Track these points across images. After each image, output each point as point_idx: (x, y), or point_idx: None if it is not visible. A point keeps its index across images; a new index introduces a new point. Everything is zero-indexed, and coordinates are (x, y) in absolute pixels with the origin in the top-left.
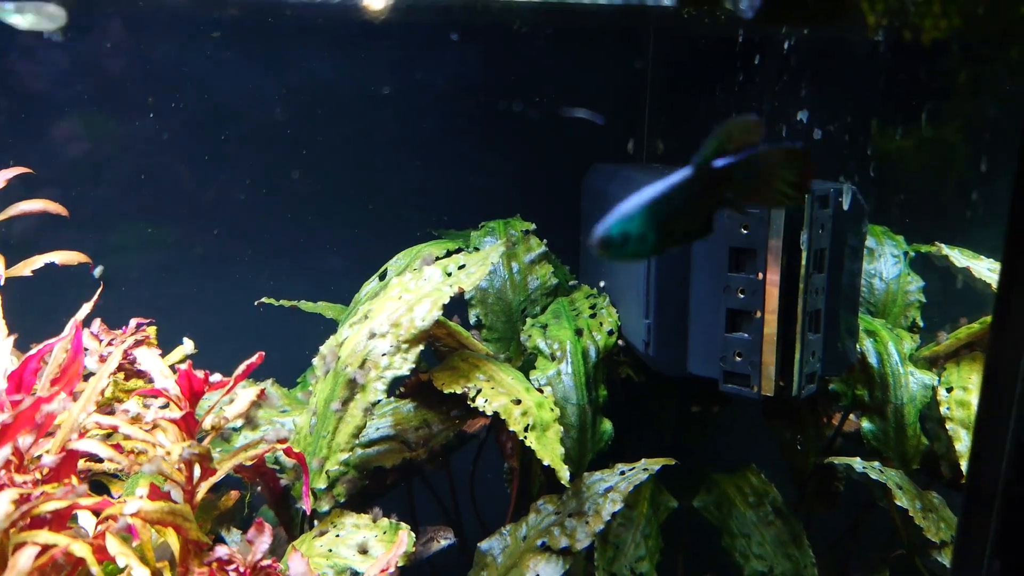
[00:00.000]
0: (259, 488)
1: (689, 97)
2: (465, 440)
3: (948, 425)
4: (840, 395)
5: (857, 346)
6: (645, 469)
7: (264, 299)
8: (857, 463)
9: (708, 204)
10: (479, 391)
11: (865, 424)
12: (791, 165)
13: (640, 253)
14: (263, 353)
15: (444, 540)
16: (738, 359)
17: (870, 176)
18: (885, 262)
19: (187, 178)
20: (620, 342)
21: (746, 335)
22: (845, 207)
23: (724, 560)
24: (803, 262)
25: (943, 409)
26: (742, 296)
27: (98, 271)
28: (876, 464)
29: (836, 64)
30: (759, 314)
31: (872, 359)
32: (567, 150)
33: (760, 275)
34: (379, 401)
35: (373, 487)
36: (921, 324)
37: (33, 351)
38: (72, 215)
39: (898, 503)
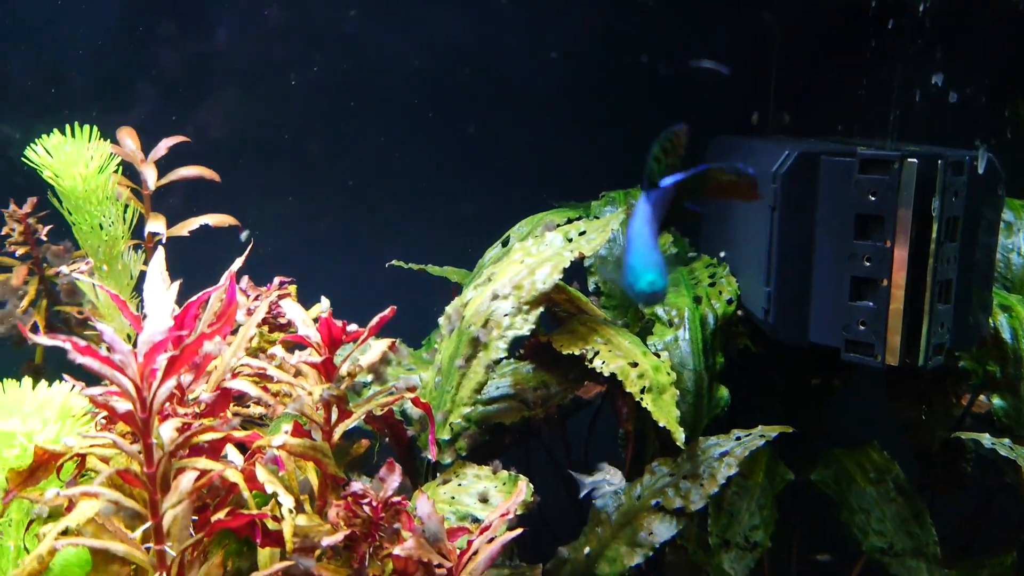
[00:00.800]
0: (387, 439)
1: (817, 66)
2: (581, 406)
3: None
4: (970, 373)
5: (990, 320)
6: (762, 435)
7: (394, 261)
8: (986, 439)
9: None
10: (596, 353)
11: (996, 401)
12: (738, 187)
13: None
14: (395, 307)
15: (616, 482)
16: (862, 328)
17: (1008, 144)
18: (1023, 236)
19: (320, 149)
20: (739, 312)
21: (871, 304)
22: (980, 171)
23: (840, 536)
24: (934, 230)
25: None
26: (868, 264)
27: (245, 235)
28: (1006, 441)
29: (972, 25)
30: (885, 283)
31: (1006, 334)
32: (689, 121)
33: (888, 243)
34: (501, 359)
35: (492, 445)
36: None
37: (193, 298)
38: (221, 184)
39: None
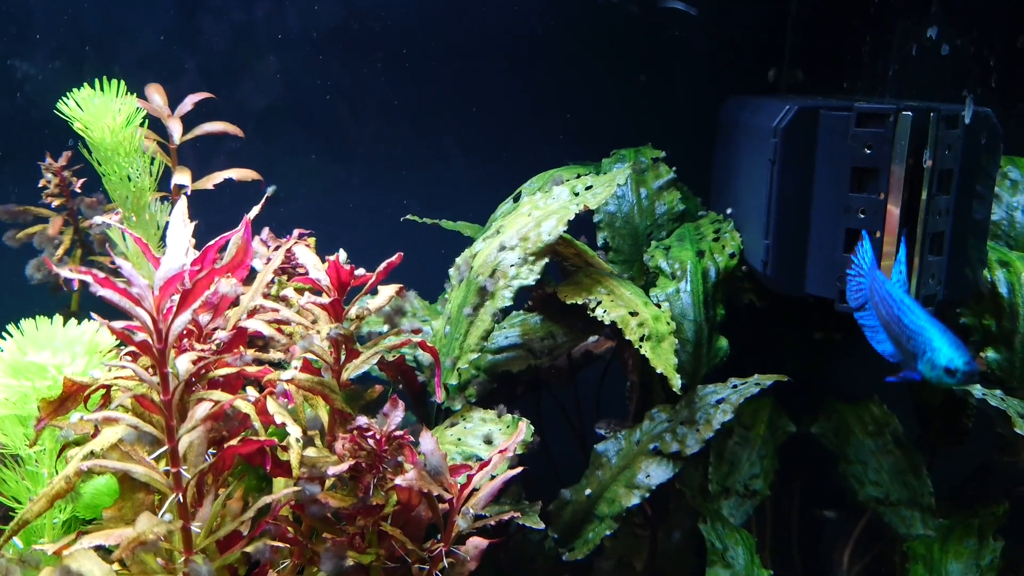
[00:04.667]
0: (400, 386)
1: (828, 24)
2: (592, 359)
3: None
4: (971, 330)
5: (987, 274)
6: (757, 383)
7: (409, 216)
8: (977, 390)
9: None
10: (599, 303)
11: (990, 354)
12: None
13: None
14: (402, 253)
15: None
16: None
17: (1010, 102)
18: None
19: (341, 109)
20: (744, 268)
21: None
22: (967, 120)
23: (844, 491)
24: (926, 182)
25: None
26: (862, 216)
27: (271, 189)
28: (998, 392)
29: None
30: (879, 235)
31: (1003, 288)
32: (704, 80)
33: (882, 195)
34: (507, 308)
35: (503, 393)
36: None
37: (212, 242)
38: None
39: (1018, 431)
